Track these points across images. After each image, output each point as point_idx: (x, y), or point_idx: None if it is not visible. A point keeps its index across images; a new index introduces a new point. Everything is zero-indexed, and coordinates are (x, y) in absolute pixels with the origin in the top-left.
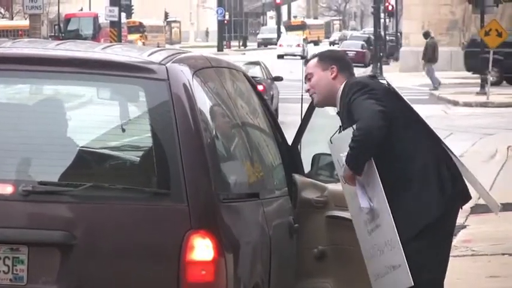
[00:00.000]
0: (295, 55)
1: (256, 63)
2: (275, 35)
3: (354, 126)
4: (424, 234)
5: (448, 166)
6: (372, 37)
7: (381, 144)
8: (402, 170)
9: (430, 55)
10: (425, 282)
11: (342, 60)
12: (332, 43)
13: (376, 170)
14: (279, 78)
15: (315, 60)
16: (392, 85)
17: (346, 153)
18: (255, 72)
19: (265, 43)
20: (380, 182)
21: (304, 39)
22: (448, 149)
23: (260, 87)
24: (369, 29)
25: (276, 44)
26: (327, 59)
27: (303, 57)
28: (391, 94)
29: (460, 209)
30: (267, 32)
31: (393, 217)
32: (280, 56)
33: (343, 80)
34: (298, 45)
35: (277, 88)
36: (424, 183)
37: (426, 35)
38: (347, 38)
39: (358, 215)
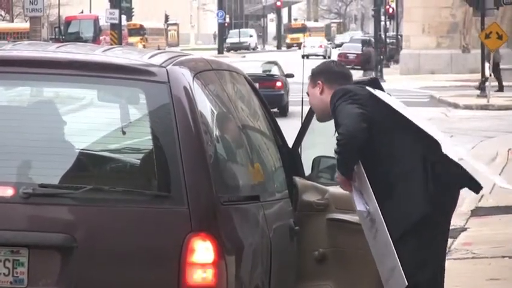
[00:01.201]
0: (317, 55)
1: (274, 62)
2: (247, 39)
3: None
4: (408, 236)
5: (434, 166)
6: (372, 39)
7: (363, 147)
8: (385, 174)
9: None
10: (420, 283)
11: (328, 72)
12: (338, 46)
13: (364, 174)
14: (291, 75)
15: (309, 77)
16: (378, 91)
17: None
18: (274, 70)
19: (235, 48)
20: (369, 186)
21: (328, 41)
22: (441, 149)
23: (279, 84)
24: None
25: (247, 49)
26: (314, 74)
27: (324, 57)
28: (373, 99)
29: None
30: (235, 36)
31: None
32: (304, 56)
33: (331, 92)
34: (321, 46)
35: (289, 84)
36: (406, 186)
37: None
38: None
39: (363, 221)
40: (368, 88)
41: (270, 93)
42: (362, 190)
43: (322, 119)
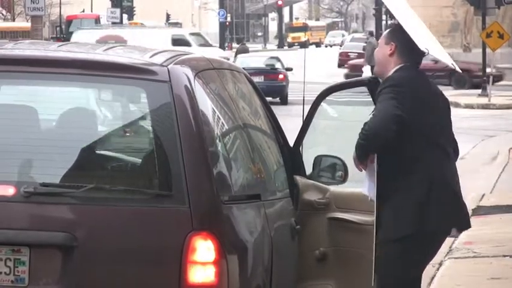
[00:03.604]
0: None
1: (276, 58)
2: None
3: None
4: (400, 242)
5: (439, 190)
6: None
7: (387, 146)
8: (396, 180)
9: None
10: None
11: (406, 43)
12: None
13: (375, 166)
14: (290, 69)
15: (387, 31)
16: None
17: None
18: (276, 65)
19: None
20: (375, 179)
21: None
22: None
23: (281, 76)
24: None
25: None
26: (392, 33)
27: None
28: (417, 101)
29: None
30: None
31: (383, 214)
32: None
33: (398, 62)
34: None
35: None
36: (409, 196)
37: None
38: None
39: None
40: (420, 86)
41: (273, 85)
42: (369, 177)
43: (377, 74)
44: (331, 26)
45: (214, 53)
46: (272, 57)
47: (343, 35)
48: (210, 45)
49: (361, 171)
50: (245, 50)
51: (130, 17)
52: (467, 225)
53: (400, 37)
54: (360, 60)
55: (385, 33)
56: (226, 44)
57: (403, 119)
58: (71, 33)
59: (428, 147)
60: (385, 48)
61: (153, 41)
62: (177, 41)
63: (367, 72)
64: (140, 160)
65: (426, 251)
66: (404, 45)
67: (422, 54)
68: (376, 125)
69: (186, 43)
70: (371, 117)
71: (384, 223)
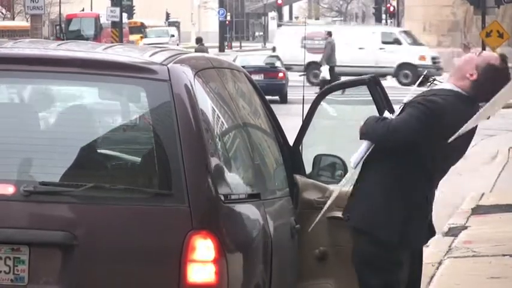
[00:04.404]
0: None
1: (276, 56)
2: (166, 39)
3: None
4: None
5: (418, 220)
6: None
7: (394, 148)
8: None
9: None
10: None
11: (488, 86)
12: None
13: (365, 155)
14: (289, 68)
15: (491, 57)
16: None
17: None
18: (276, 63)
19: None
20: (364, 155)
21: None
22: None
23: (281, 74)
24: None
25: None
26: (487, 69)
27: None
28: (440, 132)
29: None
30: (153, 35)
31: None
32: None
33: (466, 88)
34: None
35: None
36: (392, 200)
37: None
38: None
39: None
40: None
41: (273, 83)
42: (362, 148)
43: (452, 79)
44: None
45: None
46: (272, 56)
47: None
48: (420, 44)
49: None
50: (202, 51)
51: (130, 16)
52: (426, 240)
53: (487, 78)
54: None
55: (486, 59)
56: (226, 44)
57: (420, 136)
58: (71, 32)
59: (417, 174)
60: (470, 69)
61: (360, 38)
62: (387, 38)
63: (325, 72)
64: (140, 159)
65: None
66: (483, 85)
67: (488, 97)
68: (393, 133)
69: (396, 41)
70: (396, 118)
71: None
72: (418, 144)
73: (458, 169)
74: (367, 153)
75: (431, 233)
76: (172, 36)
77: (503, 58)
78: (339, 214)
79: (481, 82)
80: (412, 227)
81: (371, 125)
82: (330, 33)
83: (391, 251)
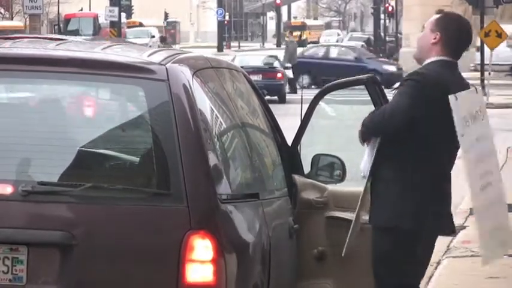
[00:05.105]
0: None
1: (275, 57)
2: (146, 40)
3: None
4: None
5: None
6: (372, 37)
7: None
8: (398, 174)
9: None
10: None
11: (453, 34)
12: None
13: (376, 145)
14: (288, 68)
15: (434, 17)
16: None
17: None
18: (274, 63)
19: None
20: (372, 157)
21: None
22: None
23: (279, 75)
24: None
25: None
26: (440, 22)
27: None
28: (436, 106)
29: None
30: (132, 35)
31: (373, 201)
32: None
33: (440, 53)
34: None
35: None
36: (406, 190)
37: None
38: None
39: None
40: (449, 85)
41: (271, 83)
42: (368, 152)
43: (417, 59)
44: (329, 25)
45: None
46: (270, 56)
47: (338, 34)
48: None
49: (363, 145)
50: None
51: (129, 16)
52: (448, 230)
53: (447, 28)
54: None
55: (432, 19)
56: (224, 43)
57: (411, 117)
58: (69, 31)
59: (426, 155)
60: (429, 36)
61: None
62: None
63: (288, 71)
64: (138, 159)
65: (405, 247)
66: (449, 38)
67: (463, 50)
68: (384, 119)
69: None
70: (386, 109)
71: (371, 208)
72: (418, 122)
73: (457, 169)
74: (373, 157)
75: (451, 225)
76: (153, 37)
77: (440, 11)
78: (338, 214)
79: (447, 36)
80: (428, 216)
81: (367, 120)
82: (291, 32)
83: (408, 244)
